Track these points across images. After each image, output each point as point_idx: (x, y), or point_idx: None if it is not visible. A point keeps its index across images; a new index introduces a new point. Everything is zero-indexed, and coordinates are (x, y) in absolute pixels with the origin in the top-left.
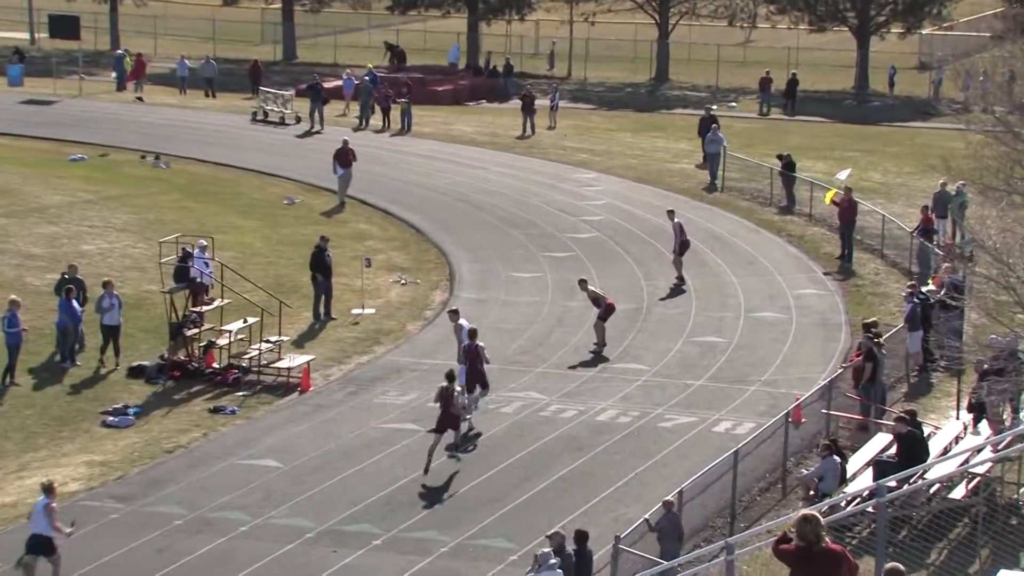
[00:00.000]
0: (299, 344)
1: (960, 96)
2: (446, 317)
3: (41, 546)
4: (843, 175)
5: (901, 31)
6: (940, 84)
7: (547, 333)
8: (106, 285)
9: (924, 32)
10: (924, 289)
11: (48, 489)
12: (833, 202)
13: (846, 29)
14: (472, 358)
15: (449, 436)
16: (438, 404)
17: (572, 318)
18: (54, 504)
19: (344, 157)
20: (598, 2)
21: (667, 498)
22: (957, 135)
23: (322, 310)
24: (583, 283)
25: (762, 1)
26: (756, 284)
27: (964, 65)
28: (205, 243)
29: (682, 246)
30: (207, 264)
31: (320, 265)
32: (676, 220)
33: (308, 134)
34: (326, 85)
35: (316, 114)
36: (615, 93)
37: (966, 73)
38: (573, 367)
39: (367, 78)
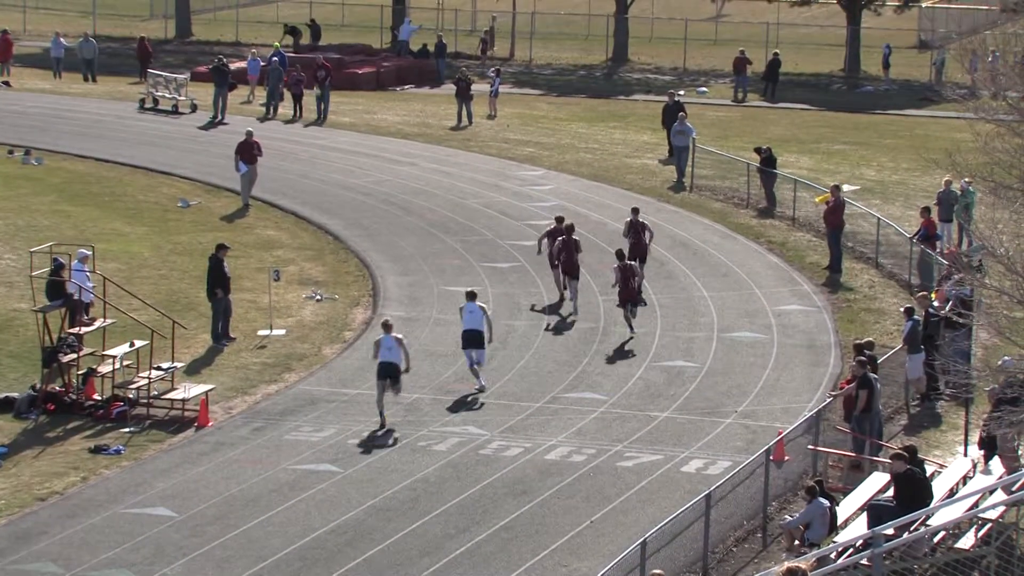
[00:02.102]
0: (196, 371)
1: (966, 79)
2: (368, 339)
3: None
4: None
5: (897, 4)
6: (943, 66)
7: (489, 356)
8: None
9: (924, 5)
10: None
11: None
12: (826, 203)
13: (834, 2)
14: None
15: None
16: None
17: (517, 339)
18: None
19: (248, 152)
20: None
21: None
22: (963, 125)
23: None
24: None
25: None
26: (731, 299)
27: (971, 43)
28: (86, 253)
29: (632, 249)
30: (87, 278)
31: (219, 278)
32: (638, 219)
33: (212, 125)
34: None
35: (220, 101)
36: (565, 76)
37: (973, 53)
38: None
39: (275, 59)
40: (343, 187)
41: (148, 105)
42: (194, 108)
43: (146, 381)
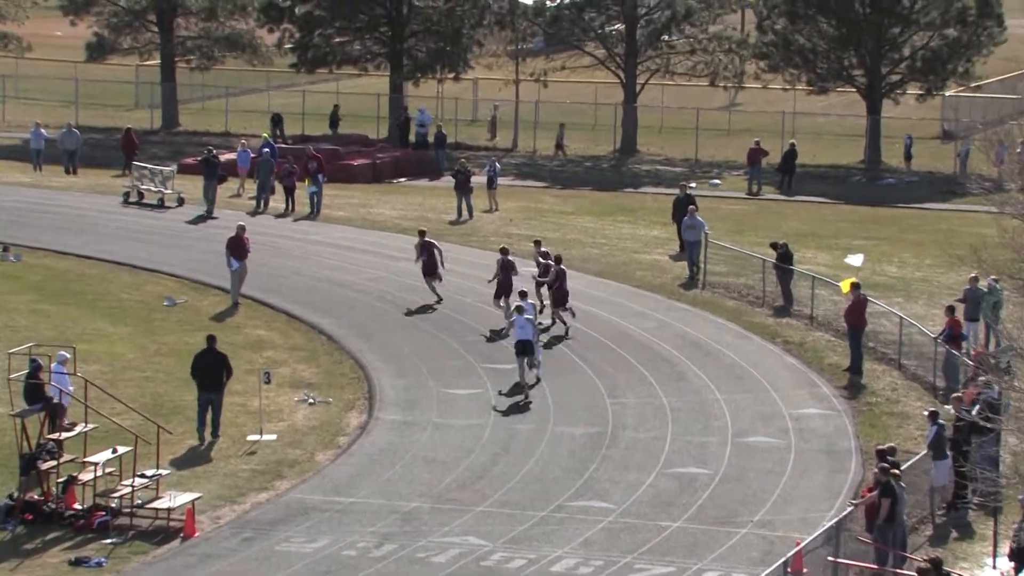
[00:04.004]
0: (182, 479)
1: (992, 171)
2: (364, 444)
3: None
4: (855, 260)
5: (920, 93)
6: (967, 157)
7: (489, 463)
8: None
9: (948, 94)
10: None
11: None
12: (849, 292)
13: (853, 90)
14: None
15: None
16: None
17: (520, 444)
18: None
19: (239, 248)
20: (549, 58)
21: None
22: (989, 219)
23: (207, 432)
24: (537, 244)
25: (750, 57)
26: (746, 402)
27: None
28: (67, 355)
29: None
30: (68, 380)
31: (211, 368)
32: (544, 252)
33: (203, 219)
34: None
35: (210, 194)
36: (571, 168)
37: (999, 143)
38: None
39: (265, 150)
40: (337, 284)
41: (133, 199)
42: (181, 202)
43: (129, 489)
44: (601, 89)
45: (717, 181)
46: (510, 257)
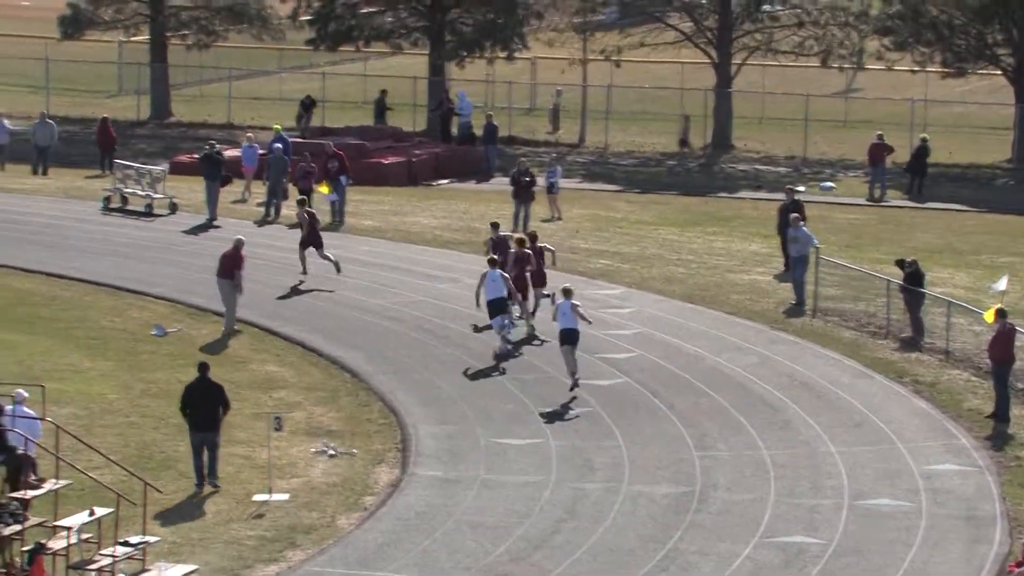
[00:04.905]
0: (174, 547)
1: None
2: (395, 506)
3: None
4: (1001, 283)
5: None
6: None
7: (550, 531)
8: None
9: None
10: None
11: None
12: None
13: (999, 73)
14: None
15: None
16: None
17: (588, 507)
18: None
19: (231, 265)
20: (624, 32)
21: None
22: None
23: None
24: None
25: (871, 32)
26: (866, 456)
27: None
28: (25, 394)
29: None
30: (37, 426)
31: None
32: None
33: (203, 228)
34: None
35: (212, 198)
36: (651, 168)
37: None
38: None
39: (277, 145)
40: (364, 310)
41: (115, 204)
42: (174, 208)
43: (110, 560)
44: (688, 71)
45: (830, 184)
46: (526, 248)
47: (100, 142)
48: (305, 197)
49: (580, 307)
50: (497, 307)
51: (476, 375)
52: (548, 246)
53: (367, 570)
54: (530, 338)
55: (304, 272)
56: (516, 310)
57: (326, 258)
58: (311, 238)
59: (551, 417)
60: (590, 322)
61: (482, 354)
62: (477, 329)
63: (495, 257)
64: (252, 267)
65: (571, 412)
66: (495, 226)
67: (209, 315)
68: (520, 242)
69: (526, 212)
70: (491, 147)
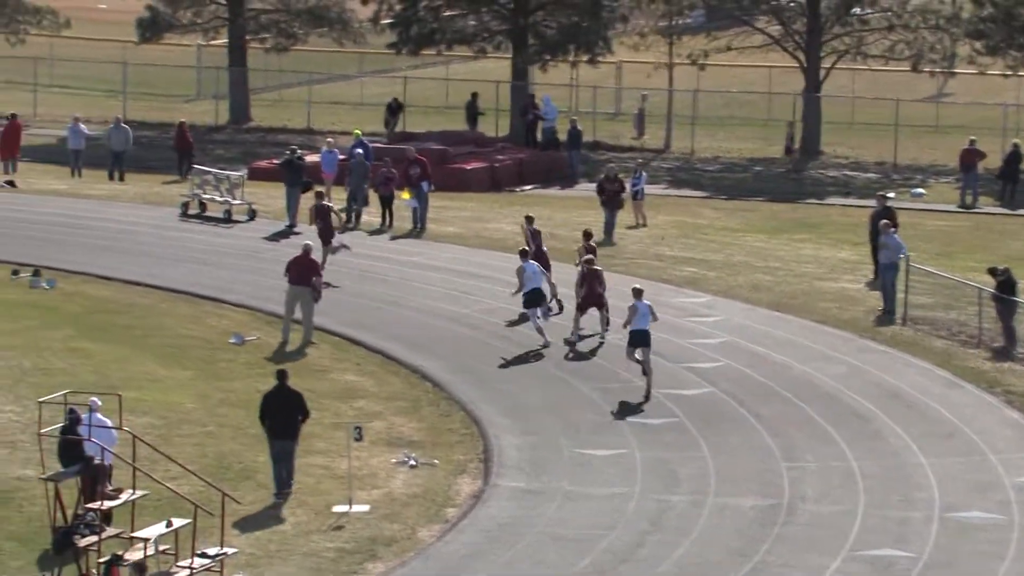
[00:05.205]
0: (252, 559)
1: None
2: (477, 517)
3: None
4: None
5: None
6: None
7: (635, 543)
8: None
9: None
10: None
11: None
12: None
13: None
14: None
15: None
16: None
17: (674, 519)
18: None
19: (303, 272)
20: (711, 36)
21: None
22: None
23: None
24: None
25: (963, 35)
26: (957, 467)
27: None
28: (99, 402)
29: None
30: (113, 436)
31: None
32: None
33: (283, 235)
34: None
35: (292, 204)
36: (738, 174)
37: None
38: None
39: (358, 151)
40: (445, 318)
41: (193, 211)
42: (252, 214)
43: (188, 572)
44: (776, 75)
45: (921, 190)
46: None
47: (178, 147)
48: (323, 190)
49: (652, 306)
50: (534, 298)
51: (559, 384)
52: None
53: None
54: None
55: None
56: (551, 305)
57: (328, 253)
58: (325, 232)
59: (636, 427)
60: (657, 318)
61: (566, 365)
62: (570, 343)
63: (527, 248)
64: (332, 275)
65: (644, 415)
66: (530, 219)
67: (291, 324)
68: (588, 260)
69: (613, 220)
70: (575, 152)
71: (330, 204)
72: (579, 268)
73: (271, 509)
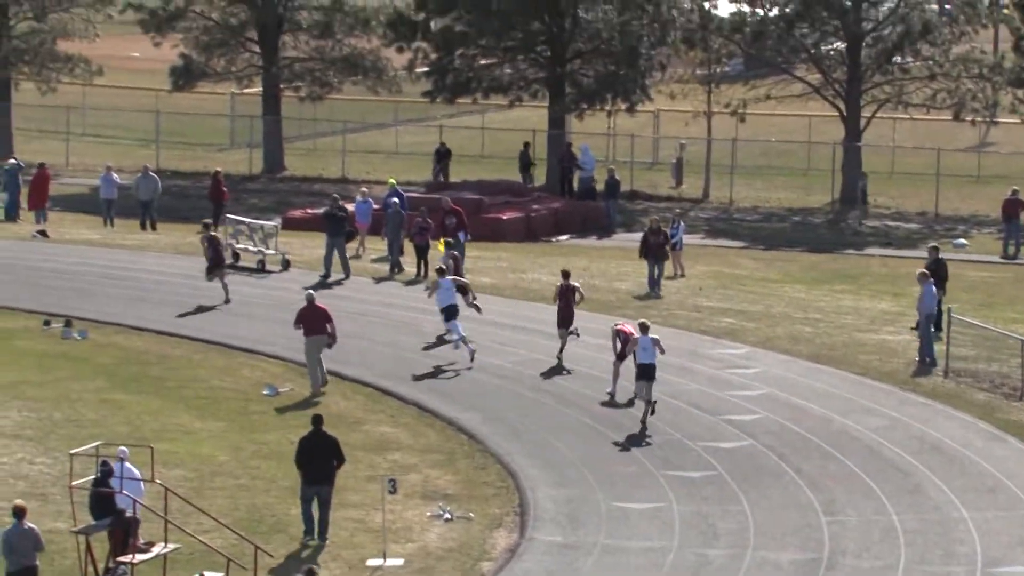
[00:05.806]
0: None
1: None
2: (514, 571)
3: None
4: None
5: None
6: None
7: None
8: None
9: None
10: None
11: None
12: None
13: None
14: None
15: None
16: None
17: (712, 574)
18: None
19: (313, 321)
20: (749, 84)
21: None
22: None
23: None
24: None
25: (1005, 84)
26: (1000, 522)
27: None
28: (127, 450)
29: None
30: (142, 488)
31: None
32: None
33: (321, 284)
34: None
35: (334, 255)
36: (777, 224)
37: None
38: None
39: (393, 200)
40: (480, 370)
41: (227, 261)
42: (286, 264)
43: None
44: (816, 124)
45: (962, 241)
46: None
47: (212, 196)
48: (211, 221)
49: (659, 339)
50: (450, 312)
51: (596, 436)
52: (579, 286)
53: None
54: (559, 368)
55: (227, 301)
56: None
57: (221, 278)
58: (216, 262)
59: (674, 480)
60: (664, 352)
61: (603, 418)
62: (610, 394)
63: (443, 267)
64: (367, 324)
65: (648, 439)
66: (566, 274)
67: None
68: (565, 274)
69: (659, 269)
70: (612, 202)
71: (216, 234)
72: (556, 286)
73: (304, 563)
